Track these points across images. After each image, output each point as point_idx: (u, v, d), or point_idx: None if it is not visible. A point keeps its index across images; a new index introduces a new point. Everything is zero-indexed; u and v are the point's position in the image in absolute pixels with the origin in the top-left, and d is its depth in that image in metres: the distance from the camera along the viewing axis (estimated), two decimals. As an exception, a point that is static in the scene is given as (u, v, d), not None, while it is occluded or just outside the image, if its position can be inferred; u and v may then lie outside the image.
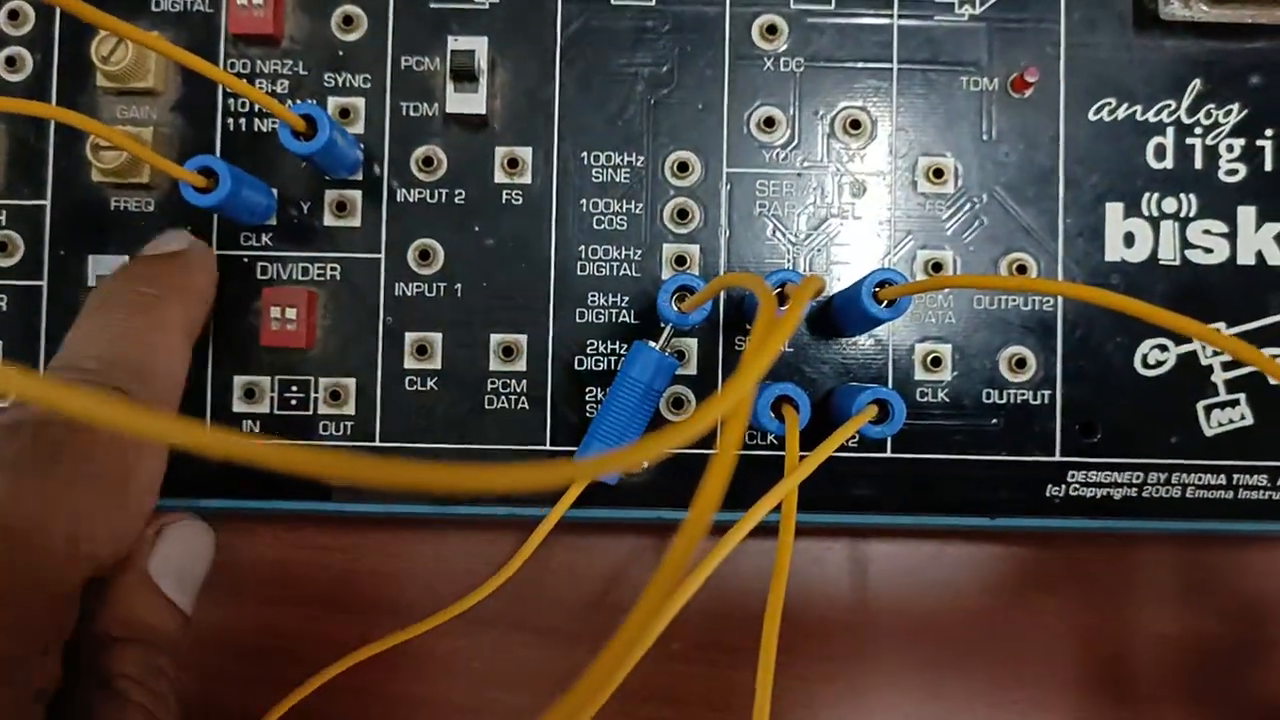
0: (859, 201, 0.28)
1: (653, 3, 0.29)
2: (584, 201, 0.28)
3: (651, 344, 0.26)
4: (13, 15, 0.29)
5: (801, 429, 0.25)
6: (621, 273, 0.28)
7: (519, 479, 0.12)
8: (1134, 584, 0.31)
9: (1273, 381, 0.28)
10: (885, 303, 0.25)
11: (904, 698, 0.31)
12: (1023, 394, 0.28)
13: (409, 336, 0.28)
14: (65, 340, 0.25)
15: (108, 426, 0.11)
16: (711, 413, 0.14)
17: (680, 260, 0.28)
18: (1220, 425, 0.28)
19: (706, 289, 0.24)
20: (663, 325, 0.26)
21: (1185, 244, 0.28)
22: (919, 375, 0.28)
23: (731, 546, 0.22)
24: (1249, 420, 0.28)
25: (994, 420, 0.28)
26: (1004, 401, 0.28)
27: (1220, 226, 0.28)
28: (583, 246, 0.28)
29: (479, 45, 0.27)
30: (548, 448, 0.28)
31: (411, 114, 0.28)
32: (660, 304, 0.25)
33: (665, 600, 0.13)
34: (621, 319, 0.28)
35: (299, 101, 0.28)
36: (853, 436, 0.25)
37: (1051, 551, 0.31)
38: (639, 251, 0.28)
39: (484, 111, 0.28)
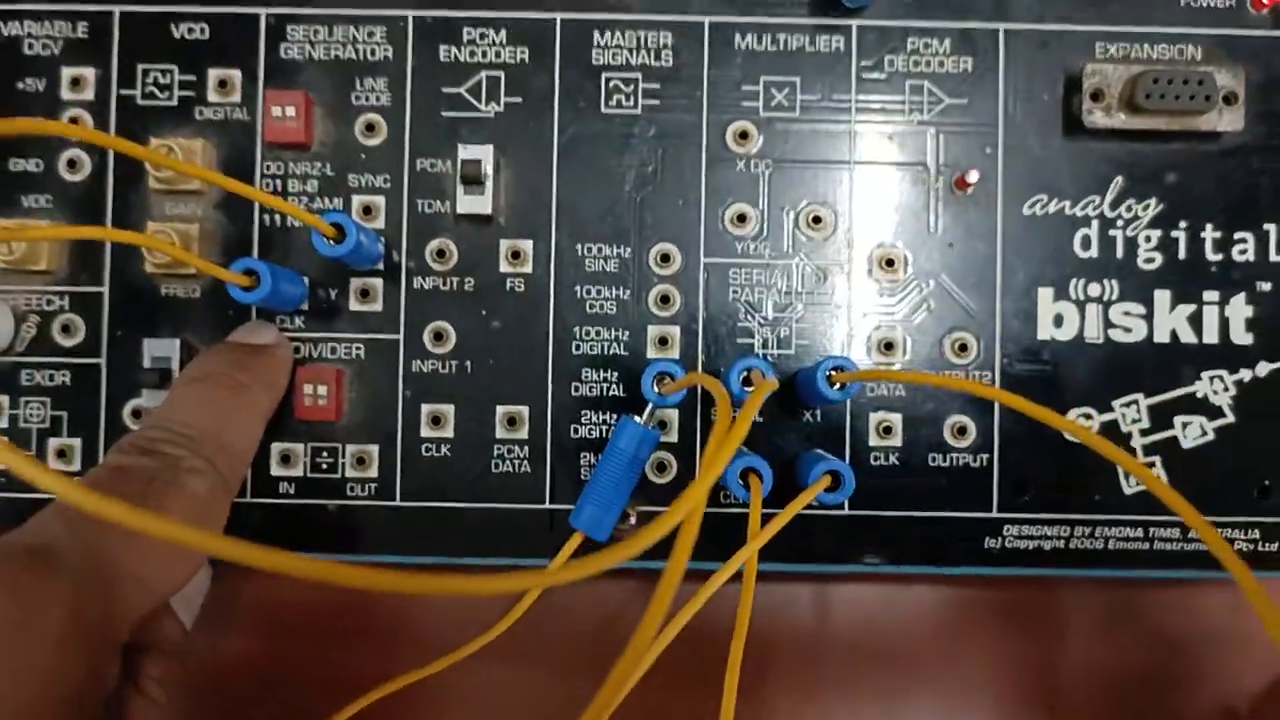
0: (820, 287, 0.32)
1: (638, 111, 0.32)
2: (578, 288, 0.32)
3: (637, 418, 0.30)
4: (73, 123, 0.32)
5: (766, 495, 0.29)
6: (611, 351, 0.32)
7: (484, 585, 0.16)
8: (1066, 623, 0.35)
9: (1185, 446, 0.32)
10: (838, 385, 0.29)
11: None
12: (964, 458, 0.32)
13: (425, 408, 0.32)
14: (164, 403, 0.28)
15: (144, 533, 0.14)
16: (671, 520, 0.18)
17: (663, 340, 0.32)
18: (1138, 485, 0.32)
19: (681, 381, 0.28)
20: (647, 401, 0.30)
21: (1108, 324, 0.32)
22: (873, 441, 0.32)
23: (703, 601, 0.26)
24: (1164, 480, 0.32)
25: (939, 481, 0.32)
26: (948, 464, 0.32)
27: (1139, 309, 0.32)
28: (577, 328, 0.32)
29: (485, 154, 0.31)
30: (547, 506, 0.32)
31: (426, 210, 0.32)
32: (644, 387, 0.29)
33: (648, 647, 0.17)
34: (612, 392, 0.32)
35: (327, 200, 0.32)
36: (813, 500, 0.29)
37: (993, 594, 0.35)
38: (627, 333, 0.32)
39: (490, 211, 0.31)
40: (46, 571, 0.22)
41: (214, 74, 0.32)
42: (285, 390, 0.31)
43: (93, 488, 0.25)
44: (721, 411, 0.21)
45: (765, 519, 0.27)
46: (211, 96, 0.32)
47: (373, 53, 0.32)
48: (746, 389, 0.29)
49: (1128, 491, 0.32)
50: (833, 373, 0.29)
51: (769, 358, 0.32)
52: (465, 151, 0.31)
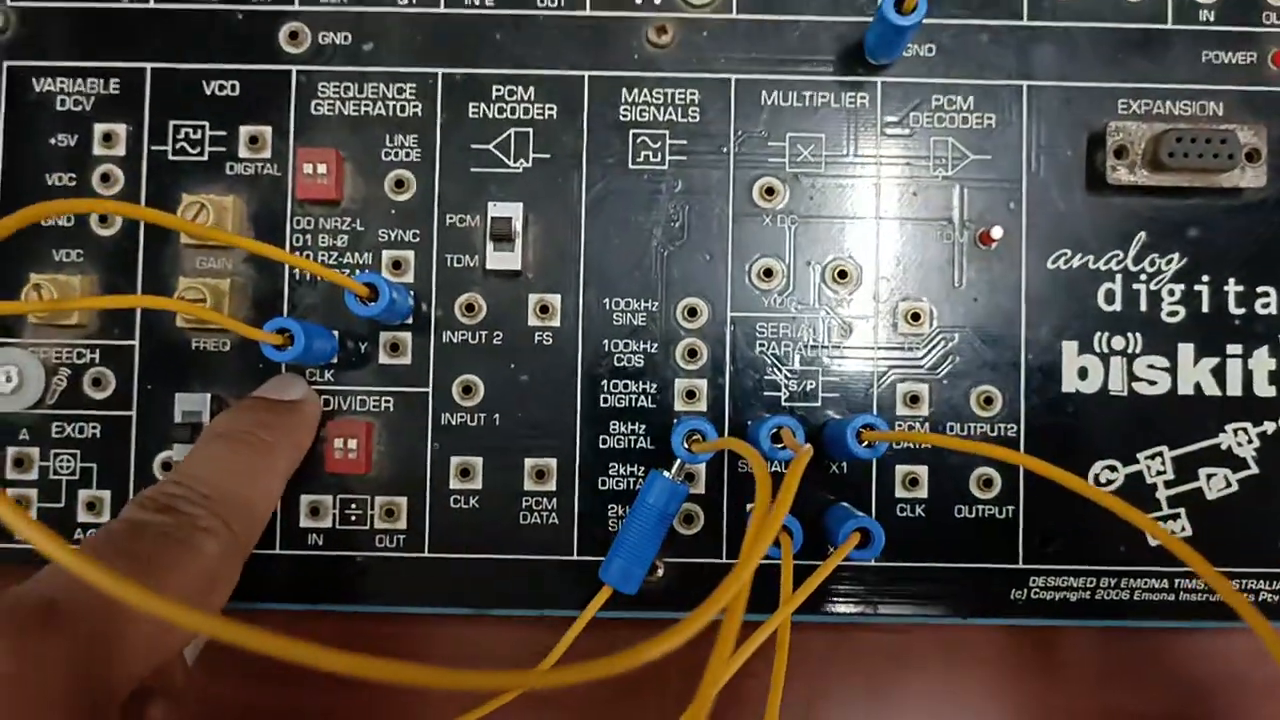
0: (846, 341, 0.33)
1: (666, 167, 0.33)
2: (606, 342, 0.32)
3: (665, 473, 0.30)
4: (104, 178, 0.33)
5: (796, 552, 0.29)
6: (639, 404, 0.32)
7: (474, 681, 0.16)
8: (1088, 668, 0.35)
9: (1209, 498, 0.32)
10: (867, 444, 0.29)
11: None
12: (989, 509, 0.32)
13: (454, 460, 0.32)
14: (188, 457, 0.28)
15: (137, 608, 0.14)
16: (712, 609, 0.18)
17: (690, 394, 0.32)
18: (1163, 536, 0.32)
19: (713, 444, 0.28)
20: (676, 457, 0.30)
21: (1132, 377, 0.32)
22: (899, 493, 0.32)
23: (735, 669, 0.26)
24: (1189, 532, 0.32)
25: (965, 532, 0.32)
26: (973, 516, 0.32)
27: (1163, 361, 0.32)
28: (605, 381, 0.32)
29: (515, 211, 0.31)
30: (575, 558, 0.32)
31: (455, 265, 0.33)
32: (674, 444, 0.29)
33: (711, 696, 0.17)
34: (640, 444, 0.32)
35: (357, 254, 0.32)
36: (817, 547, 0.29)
37: (1014, 639, 0.35)
38: (655, 385, 0.32)
39: (519, 267, 0.32)
40: (53, 627, 0.22)
41: (245, 130, 0.33)
42: (310, 447, 0.31)
43: (106, 542, 0.25)
44: (761, 492, 0.21)
45: (794, 572, 0.27)
46: (242, 152, 0.33)
47: (403, 109, 0.33)
48: (776, 445, 0.29)
49: (1153, 543, 0.32)
50: (863, 431, 0.29)
51: (795, 411, 0.32)
52: (495, 209, 0.31)
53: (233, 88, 0.33)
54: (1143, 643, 0.35)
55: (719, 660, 0.18)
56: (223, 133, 0.33)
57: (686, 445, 0.30)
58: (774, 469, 0.32)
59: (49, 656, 0.21)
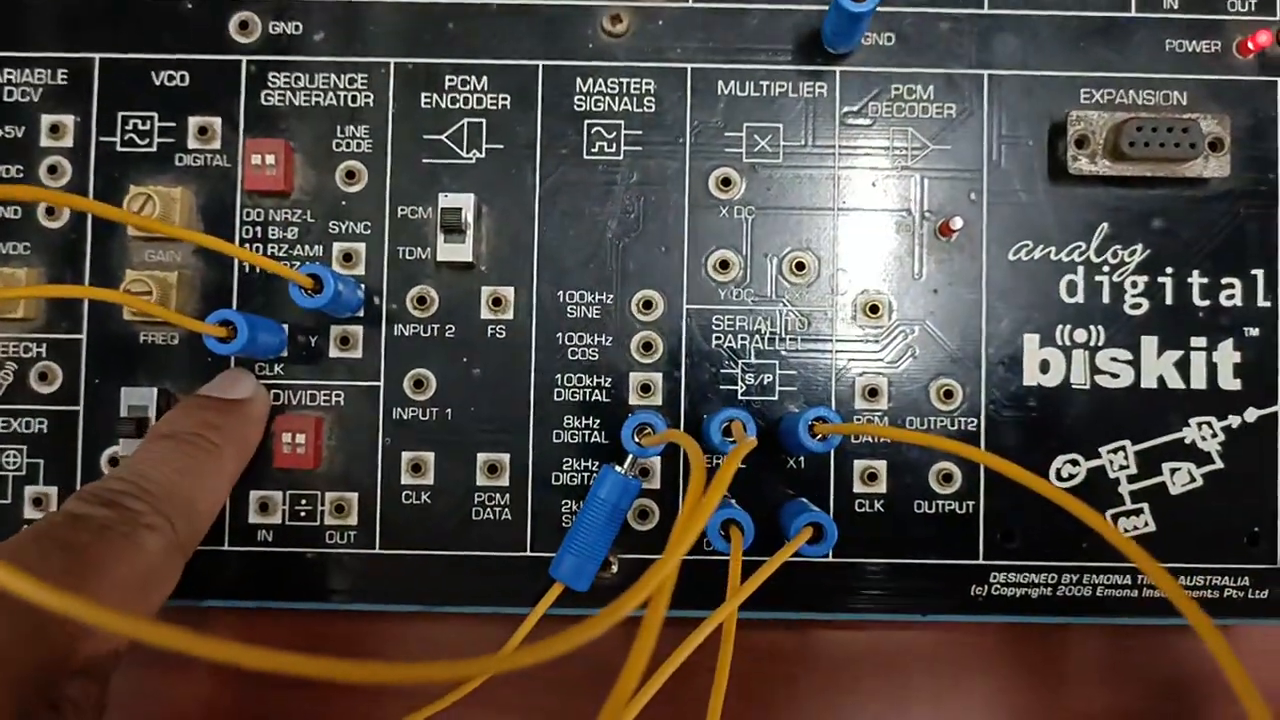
0: (804, 333, 0.32)
1: (621, 158, 0.32)
2: (560, 335, 0.32)
3: (618, 468, 0.30)
4: (52, 170, 0.32)
5: (747, 546, 0.28)
6: (593, 398, 0.32)
7: (424, 674, 0.15)
8: (1056, 668, 0.35)
9: (1173, 493, 0.32)
10: (820, 437, 0.28)
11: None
12: (949, 504, 0.32)
13: (405, 455, 0.32)
14: (133, 457, 0.28)
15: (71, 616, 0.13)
16: (640, 593, 0.18)
17: (645, 388, 0.32)
18: (1126, 532, 0.32)
19: (660, 436, 0.28)
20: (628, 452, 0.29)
21: (1095, 370, 0.32)
22: (858, 488, 0.32)
23: (680, 660, 0.26)
24: (1152, 527, 0.32)
25: (924, 528, 0.32)
26: (933, 511, 0.32)
27: (1126, 354, 0.32)
28: (559, 375, 0.32)
29: (466, 202, 0.31)
30: (528, 554, 0.32)
31: (407, 258, 0.32)
32: (624, 438, 0.29)
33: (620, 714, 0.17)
34: (594, 439, 0.32)
35: (307, 247, 0.32)
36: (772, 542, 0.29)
37: (979, 639, 0.35)
38: (609, 380, 0.32)
39: (470, 259, 0.31)
40: None
41: (194, 121, 0.32)
42: (258, 446, 0.31)
43: (45, 532, 0.24)
44: (695, 477, 0.21)
45: (748, 567, 0.27)
46: (192, 144, 0.32)
47: (354, 99, 0.32)
48: (728, 439, 0.29)
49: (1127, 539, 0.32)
50: (815, 424, 0.28)
51: (752, 405, 0.32)
52: (446, 200, 0.31)
53: (182, 78, 0.32)
54: (1113, 641, 0.35)
55: (640, 652, 0.17)
56: (172, 124, 0.32)
57: (637, 439, 0.29)
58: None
59: None
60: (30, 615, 0.22)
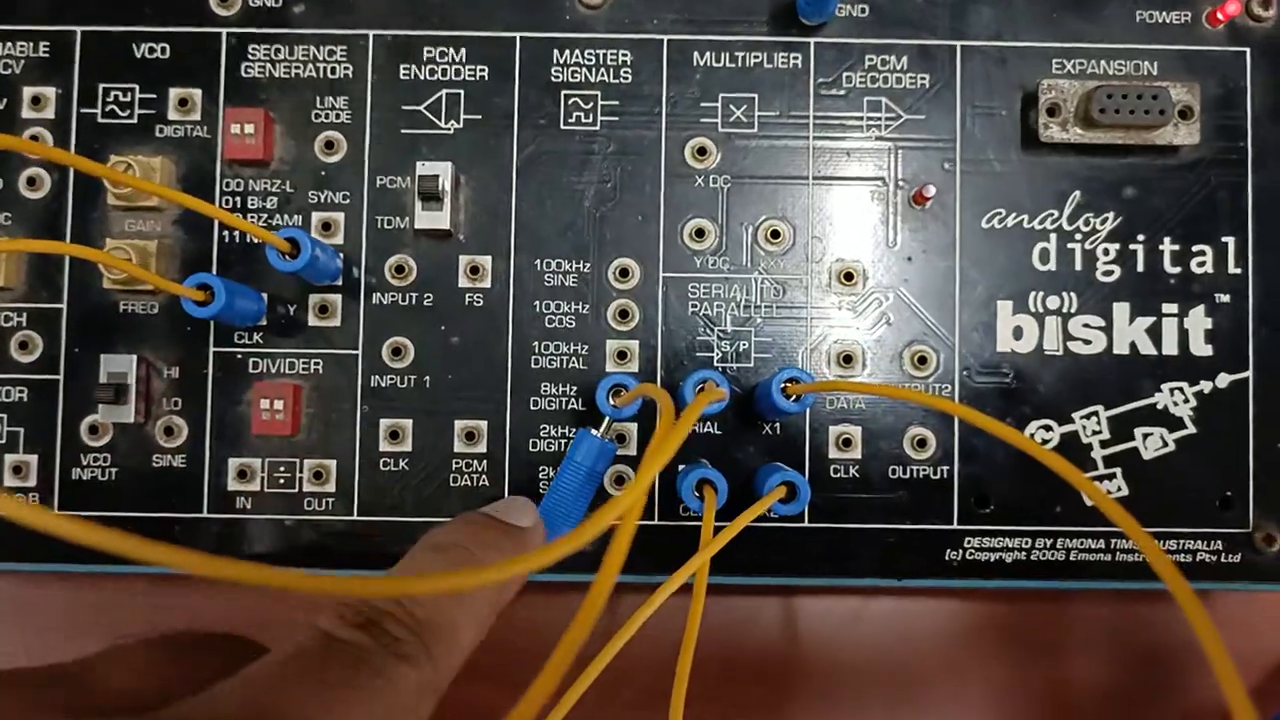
0: (779, 301, 0.32)
1: (598, 128, 0.33)
2: (537, 303, 0.32)
3: (594, 431, 0.30)
4: (33, 140, 0.32)
5: (720, 507, 0.29)
6: (570, 365, 0.32)
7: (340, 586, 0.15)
8: (1034, 635, 0.35)
9: (1146, 458, 0.32)
10: (793, 397, 0.28)
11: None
12: (924, 470, 0.32)
13: (383, 423, 0.32)
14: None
15: None
16: (609, 516, 0.18)
17: (622, 355, 0.32)
18: (1099, 497, 0.32)
19: (632, 392, 0.28)
20: (604, 415, 0.30)
21: (1067, 336, 0.32)
22: (833, 454, 0.32)
23: (652, 610, 0.26)
24: (1125, 491, 0.32)
25: (899, 493, 0.32)
26: (908, 477, 0.32)
27: (1098, 321, 0.32)
28: (536, 343, 0.32)
29: (443, 170, 0.31)
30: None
31: (385, 227, 0.32)
32: (599, 400, 0.29)
33: (569, 656, 0.17)
34: (571, 406, 0.32)
35: (287, 216, 0.32)
36: (770, 512, 0.29)
37: (957, 606, 0.35)
38: (585, 347, 0.32)
39: (448, 227, 0.31)
40: None
41: (175, 93, 0.33)
42: (238, 409, 0.30)
43: (296, 661, 0.20)
44: (663, 416, 0.21)
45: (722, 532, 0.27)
46: (172, 115, 0.33)
47: (333, 71, 0.33)
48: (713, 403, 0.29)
49: (1089, 503, 0.32)
50: (787, 384, 0.28)
51: (728, 371, 0.32)
52: (423, 168, 0.31)
53: (163, 50, 0.33)
54: (1087, 610, 0.35)
55: (604, 579, 0.18)
56: (152, 95, 0.33)
57: (611, 401, 0.29)
58: (704, 430, 0.32)
59: None
60: None
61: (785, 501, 0.29)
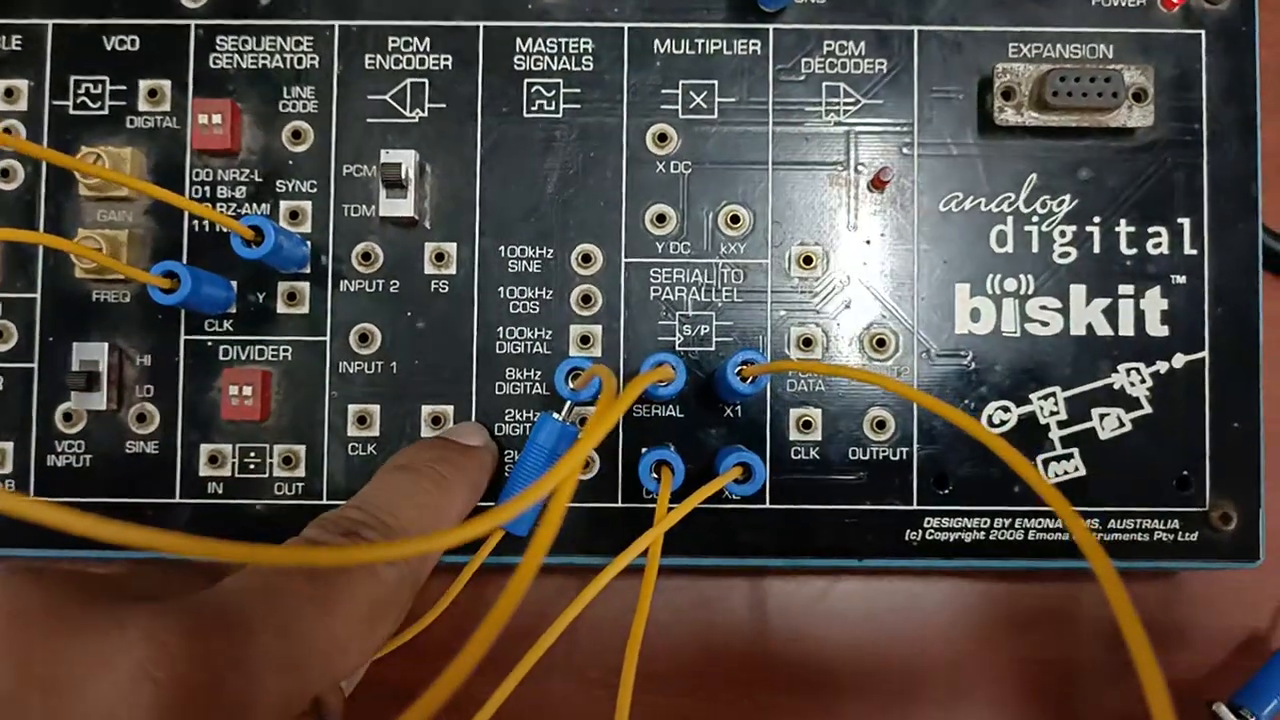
0: (740, 285, 0.33)
1: (560, 116, 0.33)
2: (502, 289, 0.33)
3: (556, 415, 0.30)
4: (5, 132, 0.33)
5: (678, 488, 0.29)
6: (535, 350, 0.33)
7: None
8: (997, 614, 0.35)
9: (1103, 438, 0.32)
10: (749, 379, 0.29)
11: (797, 709, 0.35)
12: (884, 451, 0.32)
13: (351, 408, 0.33)
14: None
15: None
16: (546, 485, 0.19)
17: (585, 340, 0.33)
18: (1057, 476, 0.32)
19: (585, 374, 0.28)
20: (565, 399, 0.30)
21: (1025, 318, 0.33)
22: (793, 436, 0.32)
23: (600, 587, 0.26)
24: (1082, 471, 0.32)
25: (859, 475, 0.32)
26: (867, 458, 0.32)
27: (1055, 303, 0.33)
28: (501, 328, 0.33)
29: (406, 158, 0.32)
30: (472, 503, 0.32)
31: (352, 215, 0.33)
32: (557, 383, 0.30)
33: (497, 629, 0.17)
34: (535, 390, 0.33)
35: (255, 205, 0.33)
36: (728, 493, 0.29)
37: (925, 587, 0.35)
38: (549, 332, 0.33)
39: (413, 214, 0.32)
40: (238, 637, 0.20)
41: (144, 84, 0.33)
42: (484, 494, 0.31)
43: (284, 559, 0.22)
44: (605, 392, 0.21)
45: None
46: (142, 106, 0.33)
47: (300, 61, 0.33)
48: (660, 384, 0.29)
49: (1047, 482, 0.32)
50: (743, 366, 0.29)
51: (690, 355, 0.32)
52: (386, 155, 0.32)
53: (132, 42, 0.33)
54: (1049, 589, 0.36)
55: (542, 540, 0.18)
56: (123, 87, 0.33)
57: (570, 384, 0.30)
58: (666, 413, 0.32)
59: (232, 666, 0.20)
60: (285, 650, 0.22)
61: (740, 482, 0.29)
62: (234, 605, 0.22)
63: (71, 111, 0.33)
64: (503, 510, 0.19)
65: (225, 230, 0.32)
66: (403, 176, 0.31)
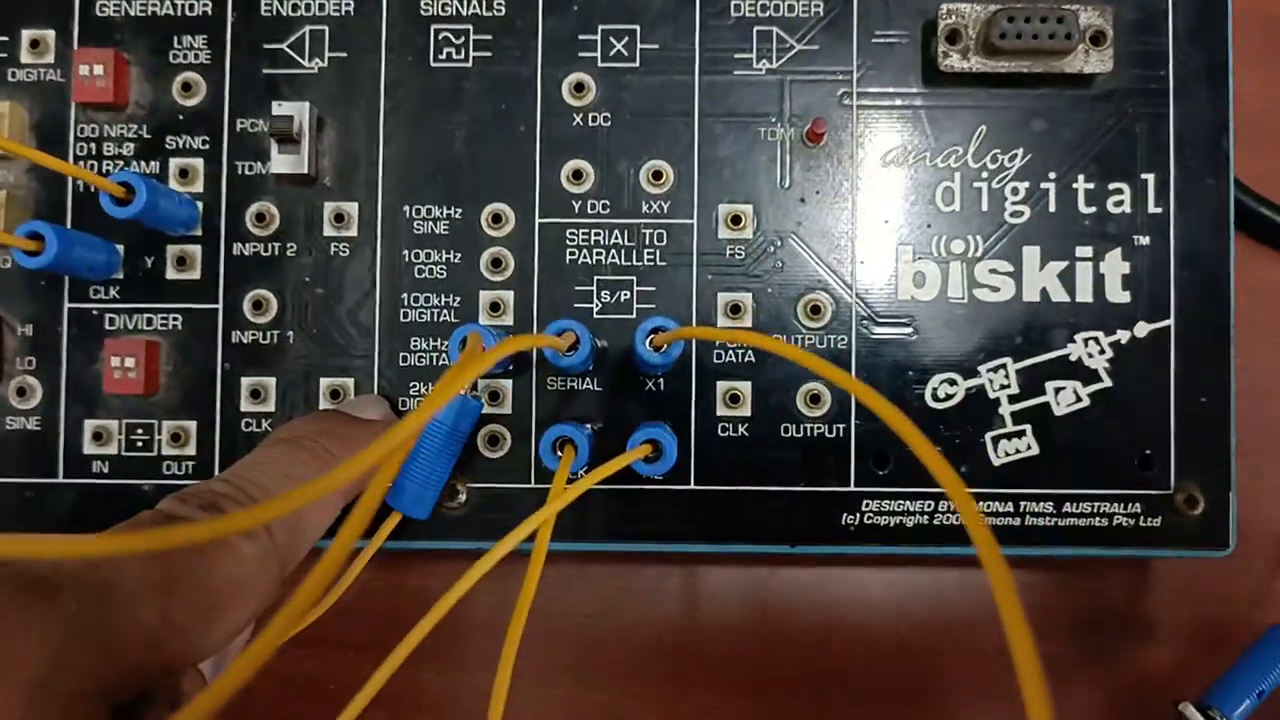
0: (663, 248, 0.30)
1: (469, 65, 0.30)
2: (406, 252, 0.30)
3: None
4: (-118, 87, 0.31)
5: (583, 466, 0.27)
6: (441, 318, 0.30)
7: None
8: (949, 603, 0.33)
9: (1058, 414, 0.30)
10: (661, 348, 0.26)
11: (731, 707, 0.33)
12: (818, 428, 0.30)
13: (245, 381, 0.30)
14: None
15: None
16: (365, 461, 0.17)
17: (495, 306, 0.30)
18: (1007, 455, 0.30)
19: (464, 339, 0.26)
20: (466, 370, 0.28)
21: (973, 283, 0.30)
22: (720, 411, 0.30)
23: (482, 573, 0.24)
24: (1034, 450, 0.30)
25: (791, 453, 0.30)
26: (800, 435, 0.30)
27: (1006, 266, 0.30)
28: (405, 294, 0.30)
29: (299, 110, 0.29)
30: (374, 483, 0.30)
31: (246, 173, 0.31)
32: (450, 351, 0.27)
33: (309, 605, 0.15)
34: (442, 361, 0.30)
35: (143, 163, 0.30)
36: (643, 473, 0.27)
37: (870, 575, 0.33)
38: (458, 298, 0.30)
39: (306, 171, 0.30)
40: (40, 608, 0.19)
41: (27, 34, 0.31)
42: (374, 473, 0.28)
43: (132, 528, 0.22)
44: (461, 359, 0.19)
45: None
46: (24, 57, 0.31)
47: (191, 9, 0.31)
48: (569, 354, 0.27)
49: (997, 462, 0.30)
50: (653, 335, 0.26)
51: (607, 323, 0.30)
52: (278, 108, 0.29)
53: (14, -11, 0.31)
54: (1033, 580, 0.33)
55: (363, 512, 0.16)
56: (4, 38, 0.31)
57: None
58: (583, 386, 0.30)
59: (33, 634, 0.19)
60: (98, 621, 0.20)
61: (650, 460, 0.27)
62: (42, 571, 0.19)
63: (-51, 64, 0.31)
64: (327, 480, 0.16)
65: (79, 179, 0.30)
66: (295, 130, 0.29)
